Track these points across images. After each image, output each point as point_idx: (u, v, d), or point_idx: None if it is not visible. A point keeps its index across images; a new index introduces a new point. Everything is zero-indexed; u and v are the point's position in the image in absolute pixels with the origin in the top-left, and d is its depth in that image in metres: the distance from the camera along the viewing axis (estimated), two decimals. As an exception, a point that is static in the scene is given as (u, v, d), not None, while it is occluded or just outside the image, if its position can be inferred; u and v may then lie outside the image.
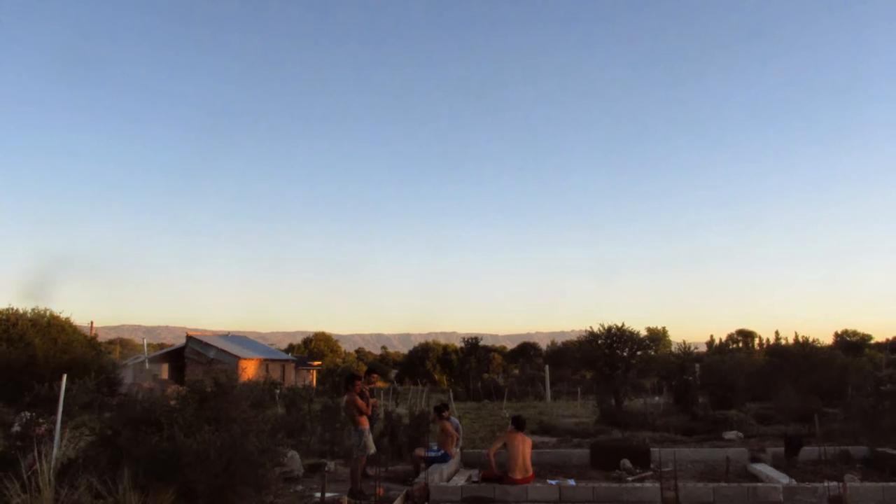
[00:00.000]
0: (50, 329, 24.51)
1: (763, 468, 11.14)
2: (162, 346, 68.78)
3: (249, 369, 42.72)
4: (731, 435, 15.32)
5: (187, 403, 7.67)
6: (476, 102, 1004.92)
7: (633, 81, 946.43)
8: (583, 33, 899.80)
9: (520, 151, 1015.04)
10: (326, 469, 10.69)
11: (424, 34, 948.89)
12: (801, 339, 25.73)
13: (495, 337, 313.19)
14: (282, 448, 8.44)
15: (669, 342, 55.66)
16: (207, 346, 44.85)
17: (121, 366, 33.02)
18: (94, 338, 30.23)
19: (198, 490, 6.71)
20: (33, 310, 25.21)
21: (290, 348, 76.70)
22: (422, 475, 9.98)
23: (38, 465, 6.63)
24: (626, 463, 11.70)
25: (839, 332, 53.50)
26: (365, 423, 9.55)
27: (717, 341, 55.61)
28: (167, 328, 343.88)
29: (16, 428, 9.96)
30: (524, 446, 9.70)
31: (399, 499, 8.67)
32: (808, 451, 12.06)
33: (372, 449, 9.59)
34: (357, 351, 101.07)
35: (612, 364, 23.61)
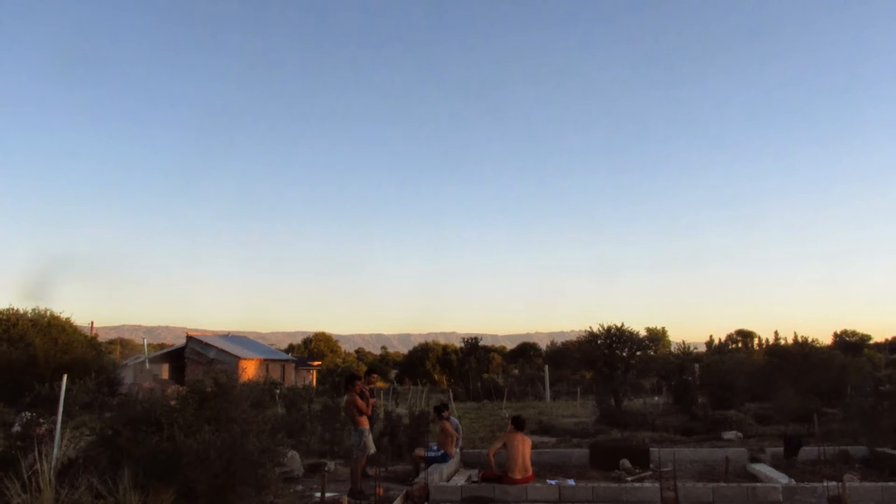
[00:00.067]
0: (50, 329, 24.53)
1: (762, 468, 11.15)
2: (162, 346, 68.82)
3: (249, 369, 42.74)
4: (730, 435, 15.34)
5: (187, 403, 7.68)
6: (476, 102, 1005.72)
7: (633, 81, 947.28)
8: (583, 33, 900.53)
9: (520, 151, 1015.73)
10: (326, 469, 10.70)
11: (424, 35, 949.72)
12: (800, 340, 25.78)
13: (495, 337, 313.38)
14: (282, 448, 8.46)
15: (669, 342, 55.69)
16: (208, 346, 44.88)
17: (121, 366, 33.03)
18: (94, 338, 30.24)
19: (198, 490, 6.72)
20: (34, 310, 25.25)
21: (290, 348, 76.73)
22: (422, 475, 10.00)
23: (38, 464, 6.65)
24: (626, 463, 11.72)
25: (838, 332, 53.53)
26: (365, 423, 9.57)
27: (716, 341, 55.60)
28: (167, 328, 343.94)
29: (16, 428, 9.96)
30: (524, 446, 9.72)
31: (399, 499, 8.69)
32: (808, 451, 12.07)
33: (372, 449, 9.60)
34: (357, 351, 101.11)
35: (611, 364, 23.62)
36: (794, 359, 22.82)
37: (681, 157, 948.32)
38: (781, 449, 12.32)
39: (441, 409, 12.04)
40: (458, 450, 12.05)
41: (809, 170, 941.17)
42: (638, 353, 24.60)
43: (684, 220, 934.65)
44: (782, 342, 40.71)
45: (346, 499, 8.50)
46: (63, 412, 8.73)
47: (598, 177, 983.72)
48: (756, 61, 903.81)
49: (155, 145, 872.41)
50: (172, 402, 8.02)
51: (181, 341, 49.34)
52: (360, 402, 9.53)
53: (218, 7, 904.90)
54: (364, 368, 40.47)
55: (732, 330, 61.96)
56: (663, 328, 63.27)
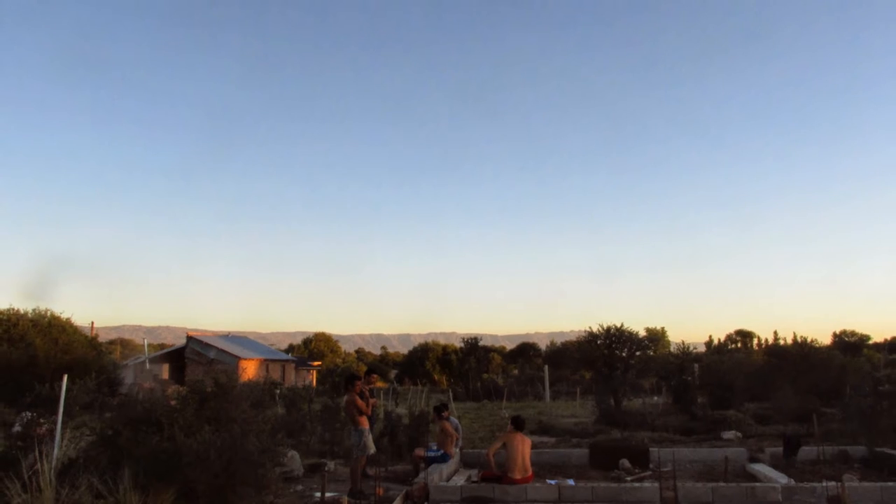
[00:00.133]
0: (51, 329, 24.56)
1: (762, 468, 11.17)
2: (162, 346, 68.80)
3: (249, 369, 42.75)
4: (729, 435, 15.35)
5: (188, 403, 7.69)
6: (476, 104, 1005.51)
7: (633, 82, 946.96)
8: (582, 35, 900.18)
9: (519, 152, 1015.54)
10: (326, 469, 10.71)
11: (424, 36, 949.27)
12: (799, 340, 25.80)
13: (495, 337, 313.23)
14: (282, 448, 8.46)
15: (668, 342, 55.72)
16: (208, 346, 44.90)
17: (121, 366, 33.05)
18: (94, 338, 30.27)
19: (198, 490, 6.73)
20: (34, 310, 25.29)
21: (291, 348, 76.74)
22: (421, 475, 10.01)
23: (39, 464, 6.66)
24: (625, 463, 11.73)
25: (837, 332, 53.58)
26: (365, 423, 9.58)
27: (715, 341, 55.59)
28: (168, 328, 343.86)
29: (17, 428, 9.97)
30: (523, 446, 9.74)
31: (399, 499, 8.70)
32: (807, 451, 12.08)
33: (372, 449, 9.62)
34: (357, 351, 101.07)
35: (611, 364, 23.61)
36: (794, 359, 22.83)
37: (680, 157, 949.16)
38: (781, 449, 12.33)
39: (441, 409, 12.05)
40: (457, 450, 12.07)
41: (809, 170, 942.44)
42: (637, 353, 24.57)
43: (684, 221, 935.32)
44: (781, 342, 40.70)
45: (346, 499, 8.51)
46: (63, 412, 8.74)
47: (598, 177, 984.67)
48: (755, 62, 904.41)
49: (155, 146, 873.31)
50: (173, 403, 8.03)
51: (181, 341, 49.36)
52: (359, 402, 9.54)
53: (218, 8, 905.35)
54: (364, 368, 40.48)
55: (732, 330, 62.12)
56: (663, 328, 63.48)
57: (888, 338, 57.13)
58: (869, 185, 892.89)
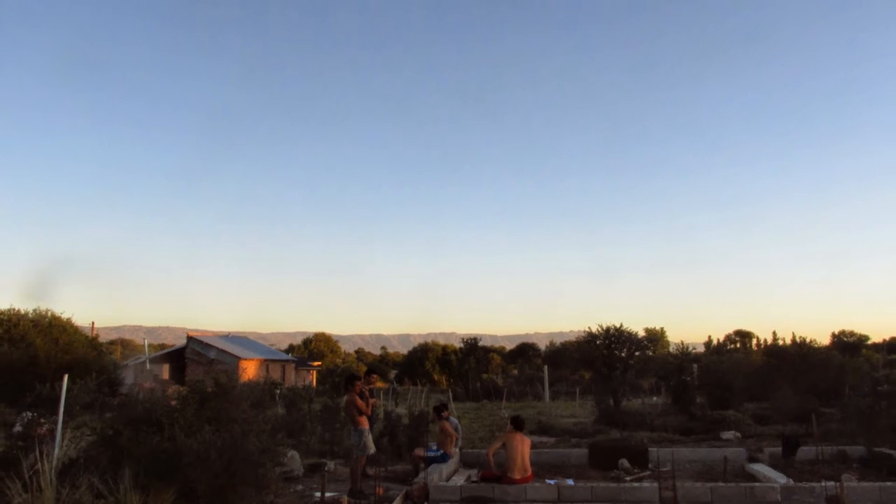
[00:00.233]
0: (51, 329, 24.61)
1: (761, 468, 11.18)
2: (163, 346, 68.80)
3: (250, 370, 42.77)
4: (728, 435, 15.36)
5: (188, 404, 7.70)
6: (475, 105, 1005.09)
7: (631, 84, 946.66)
8: (581, 36, 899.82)
9: (519, 153, 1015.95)
10: (326, 469, 10.73)
11: (424, 37, 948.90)
12: (798, 340, 25.76)
13: (494, 337, 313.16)
14: (282, 448, 8.47)
15: (667, 343, 55.89)
16: (208, 346, 44.91)
17: (122, 366, 33.09)
18: (95, 338, 30.32)
19: (198, 490, 6.75)
20: (35, 310, 25.35)
21: (291, 349, 76.73)
22: (421, 475, 10.03)
23: (39, 464, 6.67)
24: (625, 463, 11.75)
25: (836, 332, 53.58)
26: (365, 423, 9.60)
27: (714, 342, 55.69)
28: (168, 329, 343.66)
29: (17, 428, 9.98)
30: (523, 446, 9.76)
31: (398, 498, 8.72)
32: (806, 451, 12.10)
33: (372, 449, 9.64)
34: (357, 351, 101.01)
35: (610, 364, 23.64)
36: (793, 359, 22.85)
37: (679, 158, 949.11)
38: (780, 449, 12.34)
39: (440, 409, 12.08)
40: (457, 450, 12.09)
41: (807, 171, 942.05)
42: (637, 353, 24.61)
43: (682, 221, 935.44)
44: (780, 342, 40.75)
45: (346, 498, 8.53)
46: (64, 412, 8.76)
47: (597, 178, 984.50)
48: (753, 64, 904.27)
49: (156, 147, 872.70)
50: (173, 403, 8.04)
51: (182, 342, 49.37)
52: (359, 402, 9.57)
53: (218, 10, 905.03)
54: (364, 369, 40.50)
55: (731, 330, 62.15)
56: (662, 328, 63.54)
57: (887, 338, 57.21)
58: (867, 185, 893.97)
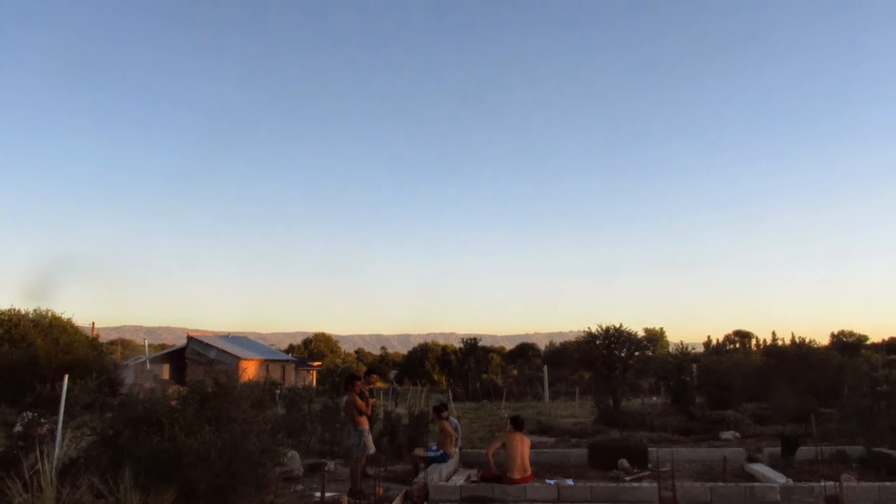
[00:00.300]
0: (52, 330, 24.64)
1: (760, 468, 11.20)
2: (163, 346, 68.82)
3: (250, 370, 42.79)
4: (728, 435, 15.38)
5: (188, 404, 7.71)
6: (475, 105, 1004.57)
7: (631, 84, 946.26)
8: (581, 37, 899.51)
9: (518, 153, 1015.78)
10: (326, 469, 10.74)
11: (424, 37, 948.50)
12: (797, 340, 25.78)
13: (494, 337, 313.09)
14: (282, 448, 8.49)
15: (667, 343, 55.90)
16: (208, 346, 44.94)
17: (122, 366, 33.10)
18: (95, 338, 30.37)
19: (199, 490, 6.76)
20: (35, 311, 25.39)
21: (291, 349, 76.76)
22: (421, 475, 10.04)
23: (40, 464, 6.69)
24: (624, 463, 11.77)
25: (835, 332, 53.53)
26: (364, 423, 9.62)
27: (714, 342, 55.64)
28: (168, 329, 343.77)
29: (18, 428, 9.99)
30: (523, 446, 9.78)
31: (398, 498, 8.73)
32: (805, 451, 12.12)
33: (371, 449, 9.66)
34: (357, 351, 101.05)
35: (609, 364, 23.65)
36: (792, 359, 22.86)
37: (679, 158, 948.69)
38: (779, 449, 12.36)
39: (440, 409, 12.09)
40: (457, 450, 12.10)
41: (807, 171, 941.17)
42: (636, 353, 24.63)
43: (682, 222, 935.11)
44: (780, 342, 40.71)
45: (346, 498, 8.55)
46: (64, 412, 8.79)
47: (597, 178, 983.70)
48: (753, 64, 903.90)
49: (156, 147, 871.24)
50: (173, 403, 8.05)
51: (182, 342, 49.40)
52: (359, 402, 9.58)
53: (219, 10, 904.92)
54: (364, 369, 40.51)
55: (730, 330, 62.09)
56: (661, 329, 63.55)
57: (886, 338, 57.17)
58: (867, 186, 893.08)
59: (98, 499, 6.51)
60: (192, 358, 44.11)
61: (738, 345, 55.30)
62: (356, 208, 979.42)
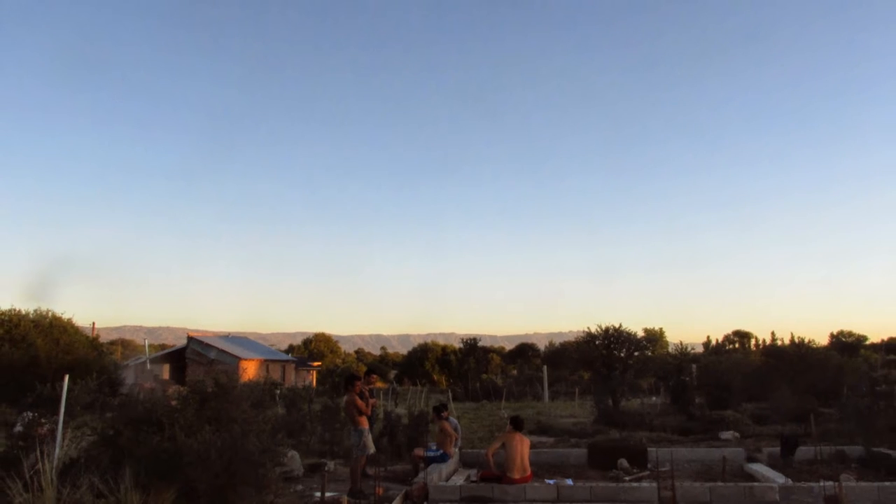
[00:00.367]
0: (52, 330, 24.65)
1: (759, 468, 11.21)
2: (163, 346, 68.82)
3: (250, 370, 42.79)
4: (727, 435, 15.39)
5: (188, 404, 7.72)
6: (475, 105, 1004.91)
7: (631, 84, 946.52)
8: (581, 37, 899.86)
9: (518, 154, 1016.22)
10: (326, 469, 10.76)
11: (424, 38, 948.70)
12: (796, 340, 25.81)
13: (494, 338, 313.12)
14: (282, 448, 8.50)
15: (666, 343, 55.91)
16: (208, 346, 44.94)
17: (122, 366, 33.08)
18: (95, 338, 30.39)
19: (199, 489, 6.77)
20: (35, 311, 25.39)
21: (291, 349, 76.75)
22: (421, 475, 10.06)
23: (40, 464, 6.69)
24: (624, 463, 11.78)
25: (835, 332, 53.69)
26: (364, 423, 9.63)
27: (713, 342, 55.59)
28: (168, 329, 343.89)
29: (18, 428, 9.99)
30: (522, 446, 9.79)
31: (398, 498, 8.74)
32: (804, 451, 12.13)
33: (371, 449, 9.67)
34: (357, 351, 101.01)
35: (609, 365, 23.67)
36: (791, 359, 22.90)
37: (678, 158, 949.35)
38: (778, 449, 12.37)
39: (440, 409, 12.11)
40: (457, 450, 12.12)
41: (806, 171, 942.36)
42: (636, 353, 24.64)
43: (682, 222, 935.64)
44: (779, 343, 40.72)
45: (345, 498, 8.56)
46: (65, 412, 8.79)
47: (597, 178, 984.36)
48: (753, 64, 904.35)
49: (156, 147, 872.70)
50: (173, 403, 8.06)
51: (182, 342, 49.40)
52: (359, 402, 9.59)
53: (219, 11, 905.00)
54: (364, 369, 40.52)
55: (730, 330, 62.12)
56: (661, 329, 63.54)
57: (885, 338, 57.22)
58: (867, 186, 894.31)
59: (98, 499, 6.52)
60: (192, 358, 44.11)
61: (737, 345, 55.31)
62: (356, 209, 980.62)
